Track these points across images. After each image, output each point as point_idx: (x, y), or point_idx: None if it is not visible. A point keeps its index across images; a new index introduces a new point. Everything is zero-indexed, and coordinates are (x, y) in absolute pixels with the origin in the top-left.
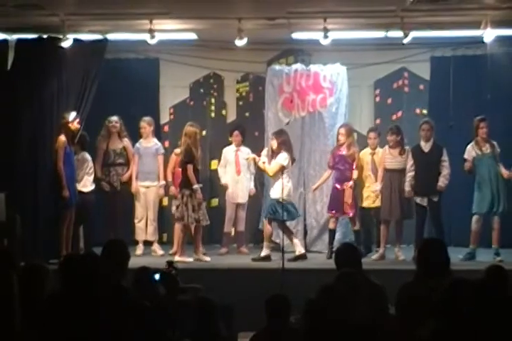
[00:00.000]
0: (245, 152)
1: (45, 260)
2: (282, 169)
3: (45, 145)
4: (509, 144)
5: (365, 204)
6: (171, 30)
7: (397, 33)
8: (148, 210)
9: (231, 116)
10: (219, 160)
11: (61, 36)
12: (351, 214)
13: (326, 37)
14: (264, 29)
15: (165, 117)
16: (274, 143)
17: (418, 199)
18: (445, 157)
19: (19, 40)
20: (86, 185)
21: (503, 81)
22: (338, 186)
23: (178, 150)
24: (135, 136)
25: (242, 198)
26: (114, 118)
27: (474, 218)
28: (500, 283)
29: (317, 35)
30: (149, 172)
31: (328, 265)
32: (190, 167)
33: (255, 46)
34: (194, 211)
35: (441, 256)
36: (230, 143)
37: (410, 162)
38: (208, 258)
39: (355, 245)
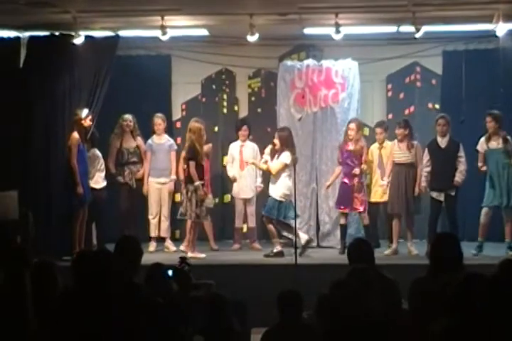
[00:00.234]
0: (251, 147)
1: (58, 257)
2: (285, 168)
3: (58, 143)
4: None
5: (373, 198)
6: (182, 26)
7: (409, 28)
8: (163, 206)
9: (243, 112)
10: None
11: (73, 33)
12: (361, 209)
13: (337, 32)
14: (276, 24)
15: (177, 114)
16: (277, 141)
17: (435, 195)
18: (462, 152)
19: (31, 38)
20: (98, 181)
21: None
22: (347, 181)
23: None
24: (147, 132)
25: (247, 193)
26: (128, 116)
27: (483, 211)
28: None
29: (329, 31)
30: (163, 169)
31: (340, 260)
32: (192, 164)
33: (267, 42)
34: (197, 207)
35: (455, 250)
36: (236, 139)
37: (426, 158)
38: (202, 255)
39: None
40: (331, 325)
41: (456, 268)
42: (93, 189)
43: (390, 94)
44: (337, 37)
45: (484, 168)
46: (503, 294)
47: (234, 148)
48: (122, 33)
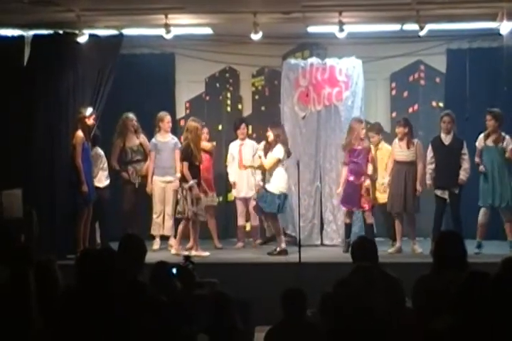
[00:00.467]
0: (250, 145)
1: (61, 255)
2: (278, 162)
3: (61, 141)
4: None
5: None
6: (186, 24)
7: (413, 26)
8: (167, 205)
9: (247, 110)
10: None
11: (77, 32)
12: (367, 208)
13: (341, 30)
14: (280, 23)
15: (181, 112)
16: (270, 136)
17: (439, 192)
18: (465, 150)
19: (35, 36)
20: (101, 180)
21: None
22: (352, 179)
23: None
24: (150, 131)
25: (247, 192)
26: (133, 115)
27: (481, 211)
28: None
29: (332, 29)
30: (169, 167)
31: (344, 259)
32: (185, 164)
33: (271, 40)
34: (193, 205)
35: (458, 248)
36: (236, 138)
37: (430, 154)
38: (206, 253)
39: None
40: (334, 323)
41: (460, 267)
42: (96, 188)
43: (393, 92)
44: (341, 35)
45: (482, 168)
46: (506, 292)
47: (233, 147)
48: (126, 31)
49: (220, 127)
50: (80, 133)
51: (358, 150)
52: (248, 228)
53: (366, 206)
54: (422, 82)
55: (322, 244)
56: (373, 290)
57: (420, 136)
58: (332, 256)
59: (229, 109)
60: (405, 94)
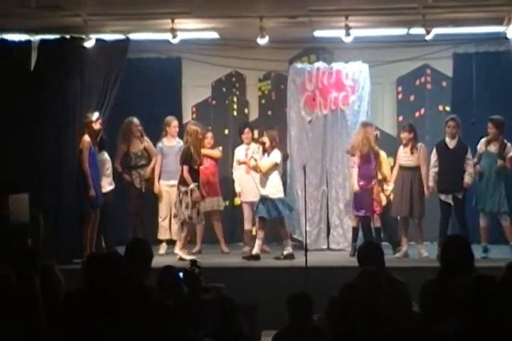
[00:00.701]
0: (255, 149)
1: (68, 259)
2: (276, 167)
3: (68, 146)
4: None
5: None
6: (192, 29)
7: (420, 30)
8: (173, 209)
9: (253, 114)
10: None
11: (84, 36)
12: (378, 211)
13: (347, 35)
14: (286, 27)
15: (187, 116)
16: (267, 140)
17: (443, 197)
18: (469, 155)
19: (42, 41)
20: (104, 185)
21: None
22: (363, 184)
23: None
24: (157, 135)
25: (253, 197)
26: (136, 120)
27: (480, 215)
28: None
29: (339, 33)
30: (174, 172)
31: (351, 263)
32: (185, 168)
33: (277, 44)
34: (187, 208)
35: (465, 253)
36: (241, 143)
37: (434, 158)
38: (189, 257)
39: (378, 243)
40: (341, 327)
41: (467, 271)
42: None
43: (400, 96)
44: (347, 39)
45: (479, 167)
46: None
47: (239, 152)
48: (133, 36)
49: (226, 131)
50: (86, 138)
51: (368, 154)
52: (255, 232)
53: (378, 210)
54: (429, 86)
55: (329, 248)
56: (380, 295)
57: (426, 140)
58: (338, 260)
59: (235, 113)
60: (412, 98)
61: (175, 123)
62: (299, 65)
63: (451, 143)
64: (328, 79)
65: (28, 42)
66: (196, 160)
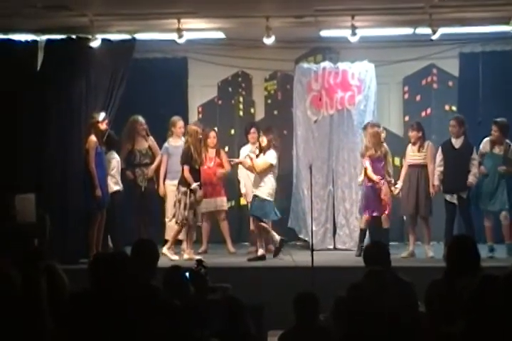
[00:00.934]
0: (252, 149)
1: (74, 259)
2: (271, 167)
3: (74, 146)
4: None
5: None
6: (198, 29)
7: (426, 30)
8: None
9: (259, 114)
10: None
11: (90, 36)
12: (387, 212)
13: (354, 34)
14: (292, 27)
15: (193, 116)
16: (264, 140)
17: (448, 197)
18: (475, 155)
19: (48, 41)
20: (110, 185)
21: None
22: (371, 184)
23: None
24: (163, 135)
25: None
26: (141, 118)
27: (484, 215)
28: None
29: (345, 33)
30: (179, 171)
31: (357, 263)
32: (186, 168)
33: (283, 44)
34: (185, 209)
35: (471, 253)
36: (247, 142)
37: (440, 157)
38: (174, 257)
39: (384, 243)
40: (347, 327)
41: (473, 271)
42: None
43: (406, 96)
44: (353, 39)
45: (483, 169)
46: None
47: (245, 151)
48: (139, 36)
49: (232, 131)
50: (93, 138)
51: (378, 154)
52: None
53: (387, 210)
54: (435, 85)
55: (335, 248)
56: (386, 295)
57: (433, 139)
58: (345, 260)
59: (241, 113)
60: (418, 97)
61: (180, 123)
62: (305, 65)
63: (456, 143)
64: (334, 79)
65: (35, 42)
66: (197, 159)
